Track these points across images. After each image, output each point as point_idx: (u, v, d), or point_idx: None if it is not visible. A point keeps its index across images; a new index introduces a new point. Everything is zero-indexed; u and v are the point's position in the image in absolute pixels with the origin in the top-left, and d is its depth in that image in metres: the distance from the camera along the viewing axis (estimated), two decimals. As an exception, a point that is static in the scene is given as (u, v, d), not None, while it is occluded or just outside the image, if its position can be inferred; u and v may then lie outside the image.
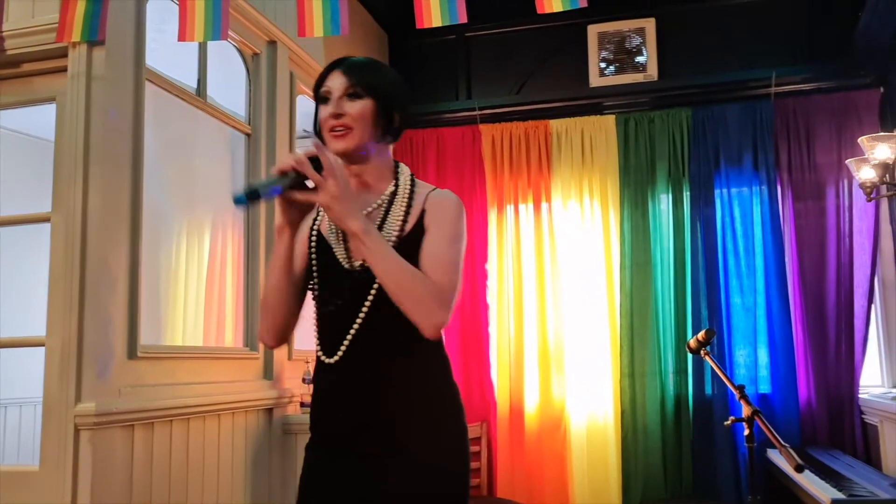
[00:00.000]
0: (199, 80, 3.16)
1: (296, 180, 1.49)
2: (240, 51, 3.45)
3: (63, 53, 2.55)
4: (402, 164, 1.71)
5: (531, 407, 4.51)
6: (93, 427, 2.34)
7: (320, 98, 1.63)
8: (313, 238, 1.68)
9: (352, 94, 1.59)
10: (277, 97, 3.54)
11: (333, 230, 1.65)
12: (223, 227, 3.35)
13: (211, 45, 3.17)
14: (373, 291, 1.57)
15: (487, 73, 4.99)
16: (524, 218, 4.69)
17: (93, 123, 2.50)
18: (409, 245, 1.58)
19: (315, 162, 1.49)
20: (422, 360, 1.61)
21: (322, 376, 1.64)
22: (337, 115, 1.58)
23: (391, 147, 1.71)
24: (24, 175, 3.98)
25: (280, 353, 3.41)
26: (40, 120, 2.88)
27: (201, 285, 3.30)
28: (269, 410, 3.33)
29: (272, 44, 3.55)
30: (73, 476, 2.34)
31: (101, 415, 2.35)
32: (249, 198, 1.42)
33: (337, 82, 1.60)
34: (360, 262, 1.59)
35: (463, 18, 2.36)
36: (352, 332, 1.58)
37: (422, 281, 1.52)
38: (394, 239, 1.58)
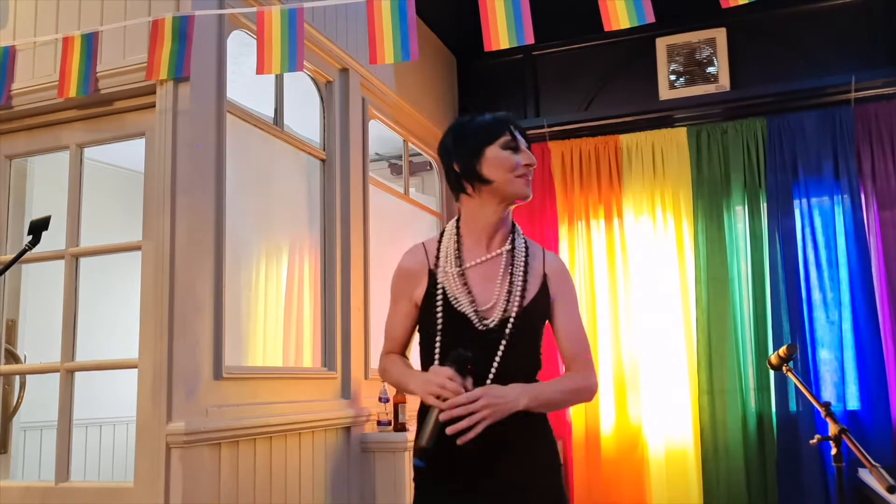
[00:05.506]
0: (275, 110, 3.28)
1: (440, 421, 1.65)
2: (313, 79, 3.56)
3: (151, 90, 2.70)
4: (516, 224, 1.88)
5: (607, 427, 4.45)
6: (183, 445, 2.45)
7: (505, 144, 1.78)
8: (438, 302, 1.79)
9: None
10: (350, 123, 3.64)
11: (460, 287, 1.78)
12: (300, 250, 3.45)
13: (286, 74, 3.29)
14: (502, 347, 1.75)
15: (555, 91, 4.99)
16: (596, 234, 4.66)
17: (179, 156, 2.63)
18: (537, 307, 1.79)
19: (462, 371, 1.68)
20: None
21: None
22: (529, 165, 1.80)
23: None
24: (114, 205, 4.19)
25: (357, 373, 3.48)
26: (130, 152, 3.04)
27: (280, 307, 3.40)
28: (348, 429, 3.39)
29: (344, 71, 3.66)
30: (166, 492, 2.44)
31: (191, 433, 2.45)
32: (426, 458, 1.65)
33: (522, 140, 1.82)
34: (492, 321, 1.75)
35: (530, 39, 2.38)
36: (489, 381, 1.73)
37: (575, 382, 1.80)
38: (520, 302, 1.76)
